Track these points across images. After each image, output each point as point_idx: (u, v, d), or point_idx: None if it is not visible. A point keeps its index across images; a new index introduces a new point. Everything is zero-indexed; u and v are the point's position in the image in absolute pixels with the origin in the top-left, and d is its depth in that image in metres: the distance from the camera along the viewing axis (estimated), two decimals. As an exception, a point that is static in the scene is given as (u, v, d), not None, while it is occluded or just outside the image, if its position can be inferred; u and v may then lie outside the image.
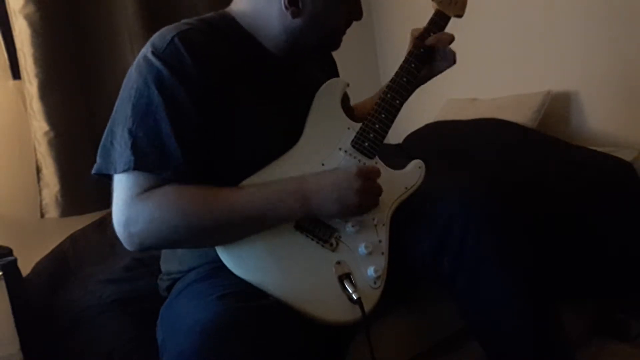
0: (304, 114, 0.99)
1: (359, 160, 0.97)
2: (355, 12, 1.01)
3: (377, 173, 0.91)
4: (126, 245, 0.86)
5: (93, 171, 0.89)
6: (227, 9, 1.00)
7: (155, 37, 0.90)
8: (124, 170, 0.84)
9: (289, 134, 0.96)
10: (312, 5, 0.93)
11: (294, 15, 0.93)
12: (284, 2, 0.92)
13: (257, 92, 0.94)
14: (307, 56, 1.07)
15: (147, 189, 0.84)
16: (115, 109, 0.90)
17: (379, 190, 0.91)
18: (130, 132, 0.85)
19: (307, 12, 0.94)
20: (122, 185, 0.86)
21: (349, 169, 0.89)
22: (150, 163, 0.84)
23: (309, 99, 1.01)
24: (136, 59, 0.90)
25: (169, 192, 0.84)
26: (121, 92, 0.90)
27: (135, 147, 0.84)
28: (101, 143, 0.89)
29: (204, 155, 0.88)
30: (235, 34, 0.96)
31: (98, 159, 0.89)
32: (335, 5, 0.96)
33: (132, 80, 0.88)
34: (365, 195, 0.88)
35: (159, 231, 0.84)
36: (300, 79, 1.04)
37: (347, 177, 0.87)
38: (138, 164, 0.83)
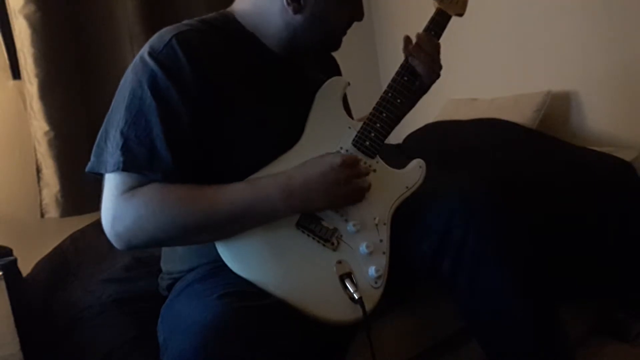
0: (305, 113, 0.99)
1: (360, 160, 0.96)
2: (356, 13, 1.01)
3: (358, 160, 0.91)
4: (114, 244, 0.86)
5: (86, 169, 0.90)
6: (229, 9, 1.01)
7: (154, 37, 0.90)
8: (113, 171, 0.85)
9: (290, 134, 0.96)
10: (314, 2, 0.94)
11: (295, 11, 0.94)
12: None
13: (258, 92, 0.94)
14: (308, 55, 1.07)
15: (134, 188, 0.85)
16: (111, 108, 0.90)
17: (364, 176, 0.91)
18: (122, 132, 0.85)
19: (308, 8, 0.94)
20: (110, 184, 0.86)
21: (333, 159, 0.88)
22: (139, 164, 0.84)
23: (311, 99, 1.01)
24: (134, 59, 0.90)
25: (154, 190, 0.84)
26: (117, 91, 0.91)
27: (125, 148, 0.84)
28: (96, 141, 0.90)
29: (197, 157, 0.88)
30: (237, 34, 0.97)
31: (92, 158, 0.89)
32: (336, 3, 0.96)
33: (128, 80, 0.89)
34: (352, 185, 0.89)
35: (144, 229, 0.84)
36: (302, 79, 1.04)
37: (332, 168, 0.87)
38: (127, 165, 0.84)
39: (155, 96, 0.85)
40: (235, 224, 0.87)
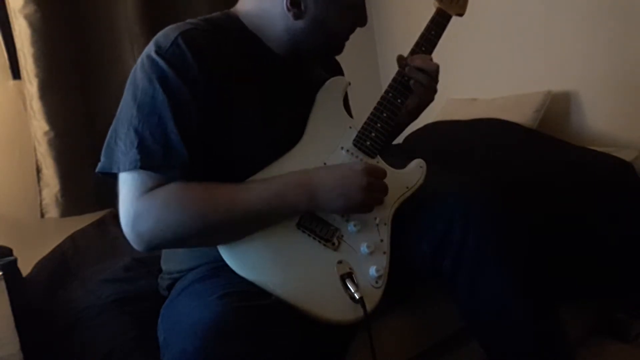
0: (306, 113, 0.99)
1: (361, 159, 0.97)
2: (359, 18, 1.01)
3: (384, 173, 0.91)
4: (134, 244, 0.86)
5: (97, 169, 0.89)
6: (233, 9, 1.01)
7: (159, 36, 0.90)
8: (131, 169, 0.84)
9: (291, 133, 0.96)
10: (314, 8, 0.94)
11: (296, 16, 0.94)
12: (286, 4, 0.93)
13: (260, 91, 0.95)
14: (310, 58, 1.07)
15: (153, 187, 0.84)
16: (119, 107, 0.90)
17: (384, 189, 0.91)
18: (136, 130, 0.85)
19: (309, 14, 0.94)
20: (128, 185, 0.85)
21: (355, 165, 0.89)
22: (157, 161, 0.84)
23: (313, 99, 1.01)
24: (140, 57, 0.90)
25: (175, 189, 0.84)
26: (126, 90, 0.90)
27: (141, 146, 0.84)
28: (105, 142, 0.89)
29: (207, 153, 0.88)
30: (239, 34, 0.97)
31: (102, 158, 0.89)
32: (338, 10, 0.96)
33: (136, 79, 0.88)
34: (370, 193, 0.88)
35: (166, 229, 0.83)
36: (303, 79, 1.04)
37: (353, 173, 0.87)
38: (144, 163, 0.83)
39: (167, 93, 0.85)
40: (257, 222, 0.87)
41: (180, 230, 0.84)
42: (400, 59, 1.03)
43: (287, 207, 0.87)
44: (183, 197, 0.84)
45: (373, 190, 0.89)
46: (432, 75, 1.01)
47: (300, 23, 0.95)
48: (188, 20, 0.94)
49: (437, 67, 1.01)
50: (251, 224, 0.87)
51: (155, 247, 0.86)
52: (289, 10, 0.93)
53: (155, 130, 0.84)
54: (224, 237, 0.88)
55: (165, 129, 0.84)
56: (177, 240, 0.87)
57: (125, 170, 0.85)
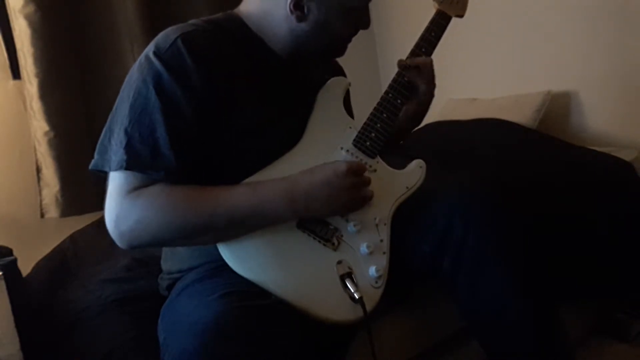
0: (307, 113, 0.99)
1: (361, 160, 0.97)
2: (362, 21, 1.01)
3: (363, 168, 0.91)
4: (117, 243, 0.86)
5: (90, 167, 0.90)
6: (236, 10, 1.01)
7: (159, 36, 0.91)
8: (117, 169, 0.85)
9: (292, 134, 0.97)
10: (317, 11, 0.94)
11: (299, 19, 0.94)
12: (289, 6, 0.93)
13: (261, 93, 0.95)
14: (312, 60, 1.07)
15: (138, 188, 0.85)
16: (115, 106, 0.91)
17: (367, 183, 0.91)
18: (125, 131, 0.85)
19: (312, 17, 0.94)
20: (114, 183, 0.86)
21: (338, 166, 0.88)
22: (143, 163, 0.84)
23: (313, 99, 1.01)
24: (139, 57, 0.90)
25: (158, 191, 0.84)
26: (122, 89, 0.91)
27: (129, 147, 0.84)
28: (100, 139, 0.90)
29: (200, 157, 0.88)
30: (242, 35, 0.97)
31: (95, 155, 0.90)
32: (340, 13, 0.96)
33: (133, 78, 0.89)
34: (355, 192, 0.89)
35: (147, 229, 0.84)
36: (304, 81, 1.04)
37: (336, 175, 0.87)
38: (130, 164, 0.84)
39: (160, 95, 0.85)
40: (239, 227, 0.87)
41: (160, 232, 0.84)
42: (401, 63, 1.04)
43: (271, 216, 0.87)
44: (166, 199, 0.84)
45: (358, 189, 0.89)
46: (427, 68, 1.03)
47: (303, 25, 0.95)
48: (190, 21, 0.94)
49: (431, 61, 1.04)
50: (232, 229, 0.87)
51: (137, 246, 0.87)
52: (292, 12, 0.93)
53: (145, 132, 0.85)
54: (207, 239, 0.88)
55: (155, 131, 0.85)
56: (158, 241, 0.87)
57: (112, 169, 0.86)
